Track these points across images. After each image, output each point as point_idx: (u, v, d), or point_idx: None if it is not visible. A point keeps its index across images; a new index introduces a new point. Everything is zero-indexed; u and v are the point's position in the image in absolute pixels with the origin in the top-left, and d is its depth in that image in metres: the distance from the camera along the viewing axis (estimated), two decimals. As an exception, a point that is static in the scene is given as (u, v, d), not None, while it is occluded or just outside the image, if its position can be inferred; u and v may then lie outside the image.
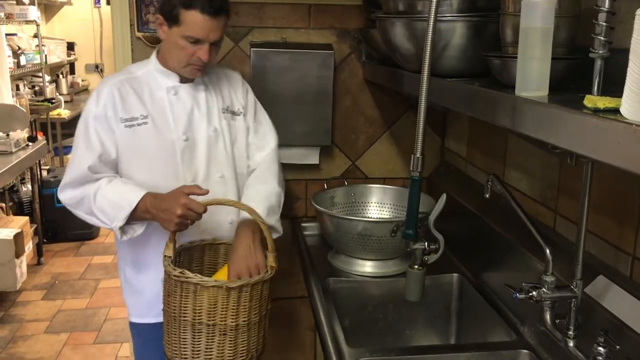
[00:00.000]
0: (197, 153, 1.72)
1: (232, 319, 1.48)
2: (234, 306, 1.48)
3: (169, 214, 1.53)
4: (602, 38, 0.93)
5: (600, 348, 1.15)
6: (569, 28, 1.14)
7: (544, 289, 1.27)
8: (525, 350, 1.44)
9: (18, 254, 3.80)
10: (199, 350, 1.50)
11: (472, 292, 1.78)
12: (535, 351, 1.42)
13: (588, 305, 1.28)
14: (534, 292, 1.28)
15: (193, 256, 1.72)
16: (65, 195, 1.67)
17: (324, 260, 1.99)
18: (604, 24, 0.93)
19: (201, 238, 1.73)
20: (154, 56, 1.73)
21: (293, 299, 2.42)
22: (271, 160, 1.85)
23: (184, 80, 1.71)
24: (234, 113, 1.81)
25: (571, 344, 1.28)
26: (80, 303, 3.90)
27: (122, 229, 1.60)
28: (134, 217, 1.59)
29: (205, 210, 1.54)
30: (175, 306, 1.50)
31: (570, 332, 1.28)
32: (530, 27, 1.02)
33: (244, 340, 1.53)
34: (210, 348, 1.50)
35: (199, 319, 1.48)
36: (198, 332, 1.49)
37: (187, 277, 1.46)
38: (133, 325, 1.84)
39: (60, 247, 4.80)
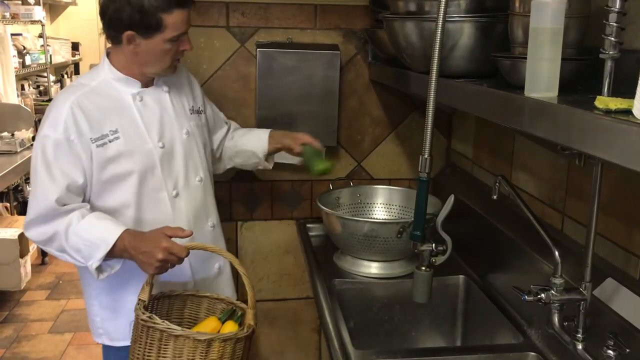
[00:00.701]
0: (175, 159, 1.66)
1: None
2: None
3: (148, 257, 1.46)
4: (612, 39, 0.93)
5: (610, 351, 1.14)
6: (578, 28, 1.13)
7: (552, 291, 1.26)
8: (532, 353, 1.43)
9: (22, 253, 3.81)
10: None
11: (478, 293, 1.77)
12: (543, 354, 1.41)
13: (597, 308, 1.27)
14: (543, 295, 1.27)
15: (173, 306, 1.63)
16: (33, 233, 1.54)
17: (330, 261, 1.98)
18: (615, 24, 0.92)
19: (183, 288, 1.65)
20: (106, 64, 1.62)
21: (298, 300, 2.42)
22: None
23: (145, 85, 1.65)
24: (198, 112, 1.78)
25: (580, 346, 1.27)
26: (84, 303, 3.90)
27: (99, 268, 1.50)
28: (110, 255, 1.50)
29: (187, 254, 1.49)
30: (138, 355, 1.40)
31: (579, 335, 1.27)
32: (540, 27, 1.01)
33: None
34: None
35: None
36: None
37: (154, 323, 1.36)
38: (114, 348, 1.72)
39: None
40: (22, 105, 4.37)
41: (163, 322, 1.37)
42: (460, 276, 1.87)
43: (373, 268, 1.89)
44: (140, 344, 1.39)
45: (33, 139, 4.17)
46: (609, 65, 0.94)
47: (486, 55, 1.29)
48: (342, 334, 1.53)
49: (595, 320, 1.28)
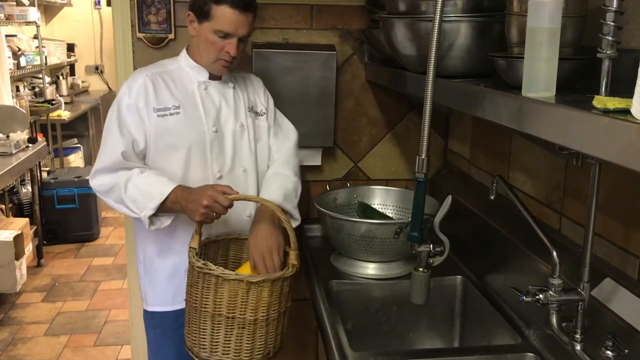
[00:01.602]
0: (225, 145, 1.77)
1: (252, 313, 1.51)
2: (253, 301, 1.50)
3: (195, 204, 1.57)
4: (610, 38, 0.92)
5: (609, 352, 1.13)
6: (576, 28, 1.13)
7: (550, 292, 1.26)
8: (530, 354, 1.42)
9: (18, 255, 3.79)
10: (217, 342, 1.53)
11: (476, 294, 1.77)
12: (541, 355, 1.40)
13: (595, 308, 1.27)
14: (541, 295, 1.26)
15: (219, 250, 1.76)
16: (97, 182, 1.70)
17: (327, 263, 1.98)
18: (612, 23, 0.91)
19: (226, 232, 1.76)
20: (184, 52, 1.79)
21: (295, 301, 2.39)
22: (289, 154, 1.90)
23: (212, 77, 1.77)
24: (257, 113, 1.88)
25: (578, 347, 1.26)
26: (81, 305, 3.89)
27: (150, 219, 1.63)
28: (162, 209, 1.63)
29: (231, 205, 1.58)
30: (196, 297, 1.53)
31: (577, 336, 1.26)
32: (537, 27, 1.00)
33: (261, 336, 1.55)
34: (229, 340, 1.53)
35: (218, 311, 1.50)
36: (217, 324, 1.52)
37: (209, 269, 1.49)
38: (150, 315, 1.86)
39: (61, 249, 4.79)
40: (17, 107, 4.34)
41: (217, 268, 1.50)
42: (458, 277, 1.87)
43: (370, 269, 1.88)
44: (197, 288, 1.53)
45: (28, 140, 4.16)
46: (606, 64, 0.94)
47: (483, 55, 1.28)
48: (340, 336, 1.52)
49: (594, 321, 1.27)
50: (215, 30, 1.64)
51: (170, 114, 1.71)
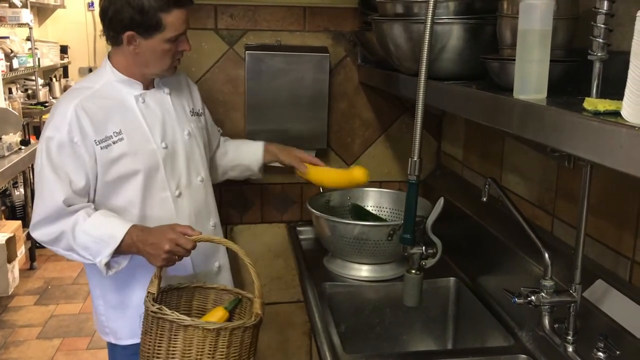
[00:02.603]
0: (178, 159, 1.69)
1: None
2: (210, 351, 1.39)
3: (156, 249, 1.48)
4: (600, 40, 0.92)
5: (600, 353, 1.13)
6: (567, 30, 1.13)
7: (542, 294, 1.26)
8: (523, 355, 1.42)
9: (10, 258, 3.77)
10: None
11: (469, 296, 1.77)
12: (534, 356, 1.41)
13: (587, 309, 1.27)
14: (533, 297, 1.26)
15: (181, 298, 1.66)
16: (40, 233, 1.56)
17: (320, 265, 1.97)
18: (603, 26, 0.92)
19: (189, 280, 1.69)
20: (108, 66, 1.64)
21: (289, 304, 2.41)
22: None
23: (146, 87, 1.67)
24: (198, 114, 1.82)
25: (570, 349, 1.26)
26: (74, 308, 3.87)
27: (107, 264, 1.53)
28: (118, 251, 1.52)
29: (194, 247, 1.51)
30: (149, 346, 1.43)
31: (569, 337, 1.26)
32: (528, 29, 1.00)
33: None
34: None
35: None
36: None
37: (163, 314, 1.40)
38: (120, 346, 1.74)
39: (53, 252, 4.75)
40: (10, 109, 4.32)
41: (172, 312, 1.40)
42: (451, 278, 1.87)
43: (364, 271, 1.88)
44: (150, 335, 1.43)
45: (21, 142, 4.14)
46: (597, 66, 0.94)
47: (475, 57, 1.28)
48: (333, 338, 1.52)
49: (586, 322, 1.27)
50: (168, 39, 1.55)
51: (114, 142, 1.57)
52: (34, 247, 4.50)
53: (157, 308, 1.41)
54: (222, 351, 1.40)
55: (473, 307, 1.73)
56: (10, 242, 3.75)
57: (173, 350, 1.40)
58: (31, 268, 4.45)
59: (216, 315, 1.57)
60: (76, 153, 1.54)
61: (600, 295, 1.27)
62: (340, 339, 1.52)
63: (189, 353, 1.39)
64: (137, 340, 1.60)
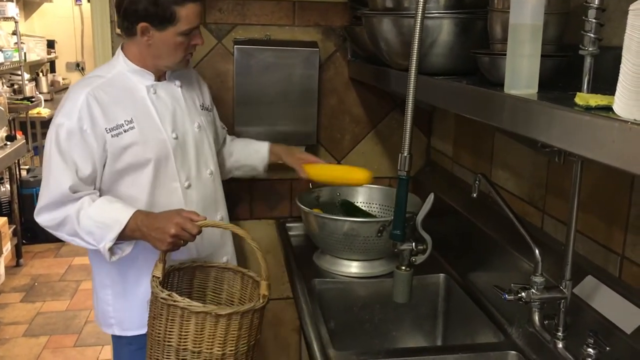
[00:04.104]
0: (188, 150, 1.71)
1: (219, 347, 1.42)
2: (221, 334, 1.42)
3: (161, 233, 1.48)
4: (592, 35, 0.92)
5: (590, 349, 1.13)
6: (558, 25, 1.12)
7: (533, 290, 1.25)
8: (513, 352, 1.42)
9: (-4, 255, 3.73)
10: None
11: (459, 292, 1.76)
12: (524, 352, 1.40)
13: (577, 306, 1.27)
14: (523, 293, 1.26)
15: (183, 278, 1.68)
16: (44, 218, 1.56)
17: (310, 261, 1.96)
18: (594, 20, 0.91)
19: (190, 259, 1.69)
20: (121, 56, 1.65)
21: (278, 300, 2.39)
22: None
23: (158, 78, 1.68)
24: (207, 109, 1.84)
25: (560, 345, 1.26)
26: (61, 305, 3.83)
27: (111, 250, 1.54)
28: (122, 237, 1.52)
29: (199, 232, 1.51)
30: (160, 330, 1.45)
31: (560, 334, 1.26)
32: (519, 23, 0.99)
33: None
34: None
35: (183, 346, 1.42)
36: (182, 359, 1.43)
37: (174, 301, 1.41)
38: (123, 338, 1.75)
39: (40, 248, 4.71)
40: (-5, 104, 4.27)
41: (183, 299, 1.42)
42: (441, 275, 1.86)
43: (353, 267, 1.87)
44: (161, 321, 1.44)
45: (7, 138, 4.09)
46: (588, 61, 0.93)
47: (466, 52, 1.27)
48: (322, 335, 1.51)
49: (576, 318, 1.27)
50: (182, 32, 1.56)
51: (125, 131, 1.57)
52: (21, 244, 4.45)
53: (167, 294, 1.42)
54: (234, 334, 1.43)
55: (463, 303, 1.72)
56: (-4, 238, 3.71)
57: (185, 335, 1.42)
58: (17, 265, 4.41)
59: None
60: (85, 141, 1.54)
61: (590, 291, 1.27)
62: (329, 335, 1.51)
63: (200, 337, 1.41)
64: (142, 332, 1.61)
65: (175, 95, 1.71)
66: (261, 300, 1.49)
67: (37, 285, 4.12)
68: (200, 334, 1.41)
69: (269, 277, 1.52)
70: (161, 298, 1.43)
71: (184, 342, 1.42)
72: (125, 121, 1.58)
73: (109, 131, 1.56)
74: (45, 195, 1.55)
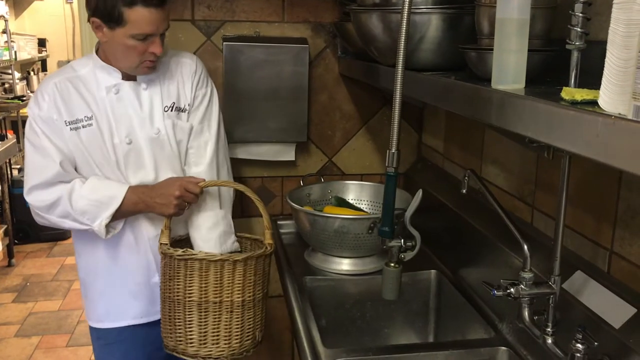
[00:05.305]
0: (144, 157, 1.63)
1: (238, 294, 1.52)
2: (239, 281, 1.51)
3: (166, 198, 1.54)
4: (578, 29, 0.91)
5: (579, 345, 1.13)
6: (545, 19, 1.12)
7: (522, 286, 1.25)
8: (503, 348, 1.42)
9: (-13, 255, 3.71)
10: (205, 333, 1.52)
11: (450, 289, 1.76)
12: (514, 348, 1.40)
13: (566, 301, 1.27)
14: (512, 289, 1.25)
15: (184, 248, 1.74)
16: (35, 198, 1.56)
17: (300, 259, 1.96)
18: (581, 15, 0.91)
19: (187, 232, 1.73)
20: (94, 51, 1.63)
21: (270, 298, 2.38)
22: (207, 177, 1.69)
23: (126, 77, 1.62)
24: (179, 110, 1.68)
25: (550, 340, 1.26)
26: (53, 305, 3.81)
27: (106, 227, 1.57)
28: (119, 213, 1.56)
29: (201, 192, 1.56)
30: (179, 288, 1.52)
31: (549, 329, 1.26)
32: (506, 18, 0.99)
33: (249, 318, 1.55)
34: (217, 328, 1.52)
35: (205, 298, 1.50)
36: (205, 312, 1.51)
37: (191, 254, 1.49)
38: (92, 330, 1.81)
39: (32, 248, 4.69)
40: (-15, 103, 4.24)
41: (199, 252, 1.52)
42: (432, 271, 1.86)
43: (344, 264, 1.86)
44: (179, 280, 1.52)
45: (-3, 137, 4.07)
46: (575, 56, 0.93)
47: (453, 47, 1.26)
48: (313, 333, 1.50)
49: (565, 314, 1.27)
50: (132, 35, 1.48)
51: (83, 126, 1.57)
52: (12, 244, 4.43)
53: (183, 251, 1.50)
54: (250, 279, 1.53)
55: (454, 299, 1.72)
56: (-13, 238, 3.69)
57: (205, 287, 1.50)
58: (9, 265, 4.38)
59: None
60: (57, 128, 1.57)
61: (579, 286, 1.27)
62: (320, 333, 1.50)
63: (220, 286, 1.50)
64: (105, 325, 1.73)
65: (138, 95, 1.62)
66: (269, 248, 1.61)
67: (29, 285, 4.10)
68: (220, 283, 1.50)
69: (271, 227, 1.62)
70: (177, 255, 1.50)
71: (205, 294, 1.50)
72: (85, 117, 1.58)
73: (67, 124, 1.57)
74: (35, 174, 1.56)
